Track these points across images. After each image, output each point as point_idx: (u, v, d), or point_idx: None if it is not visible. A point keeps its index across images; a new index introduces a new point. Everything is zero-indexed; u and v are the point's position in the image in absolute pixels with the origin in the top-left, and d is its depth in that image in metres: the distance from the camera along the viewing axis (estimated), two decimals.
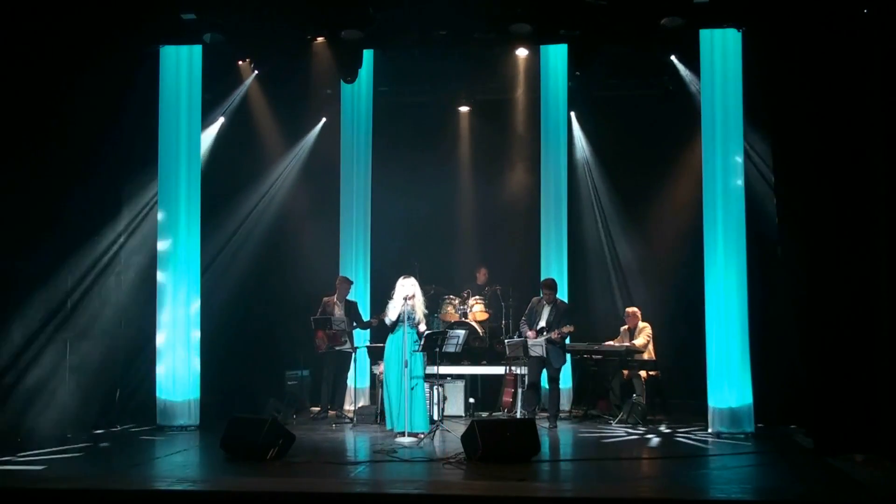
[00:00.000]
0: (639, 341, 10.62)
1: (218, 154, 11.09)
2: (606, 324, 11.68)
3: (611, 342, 10.82)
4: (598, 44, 10.16)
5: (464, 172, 13.01)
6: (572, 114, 11.55)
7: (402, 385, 8.94)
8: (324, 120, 12.46)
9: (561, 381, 10.28)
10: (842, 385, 8.06)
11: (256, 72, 11.12)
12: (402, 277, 9.34)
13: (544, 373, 9.97)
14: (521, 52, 11.31)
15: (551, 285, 10.09)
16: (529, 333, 9.92)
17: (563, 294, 10.90)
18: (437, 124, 12.80)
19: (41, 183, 8.87)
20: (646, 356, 10.63)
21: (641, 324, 10.77)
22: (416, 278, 9.42)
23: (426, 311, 9.57)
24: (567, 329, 9.77)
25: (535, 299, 10.23)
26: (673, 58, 10.53)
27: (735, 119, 9.36)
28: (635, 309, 10.90)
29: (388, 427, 9.17)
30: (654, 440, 9.16)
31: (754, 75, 9.20)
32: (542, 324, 9.92)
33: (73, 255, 9.39)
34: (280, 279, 12.01)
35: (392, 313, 9.20)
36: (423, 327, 9.20)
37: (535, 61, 11.32)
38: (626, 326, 10.91)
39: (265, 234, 11.96)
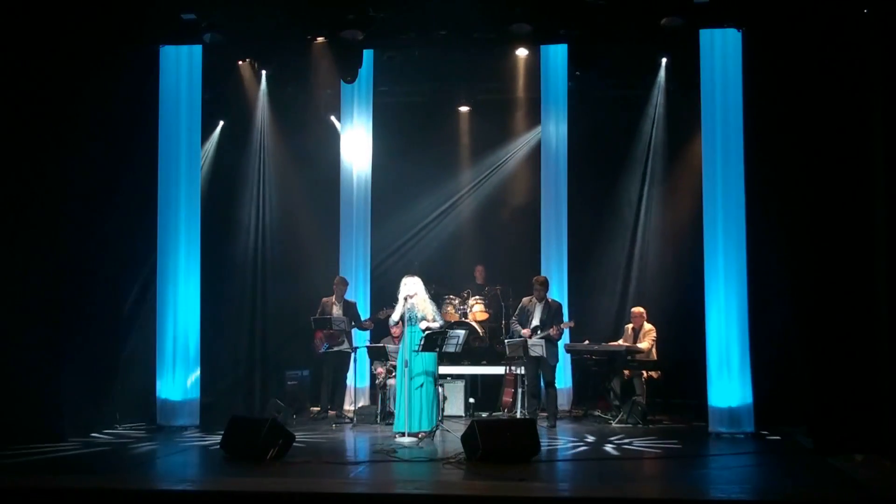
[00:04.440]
0: (643, 345, 10.54)
1: (219, 155, 11.06)
2: (606, 324, 11.67)
3: (615, 343, 10.78)
4: (597, 44, 10.17)
5: (464, 172, 13.01)
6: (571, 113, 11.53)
7: (404, 385, 8.93)
8: (333, 118, 12.34)
9: (561, 381, 10.27)
10: (842, 385, 8.07)
11: (265, 72, 11.06)
12: (405, 276, 9.35)
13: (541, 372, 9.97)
14: (521, 52, 11.30)
15: (545, 283, 10.12)
16: (525, 332, 9.93)
17: (563, 293, 10.91)
18: (437, 124, 12.78)
19: (39, 184, 8.85)
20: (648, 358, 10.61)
21: (647, 325, 10.69)
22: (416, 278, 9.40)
23: (434, 307, 9.44)
24: (568, 324, 9.82)
25: (525, 299, 10.26)
26: (664, 60, 10.50)
27: (735, 119, 9.34)
28: (641, 309, 10.82)
29: (395, 429, 9.05)
30: (654, 440, 9.15)
31: (754, 75, 9.20)
32: (536, 322, 9.93)
33: (72, 255, 9.37)
34: (280, 279, 11.99)
35: (395, 315, 9.28)
36: (424, 325, 9.13)
37: (535, 61, 11.30)
38: (630, 326, 10.88)
39: (265, 233, 11.94)
